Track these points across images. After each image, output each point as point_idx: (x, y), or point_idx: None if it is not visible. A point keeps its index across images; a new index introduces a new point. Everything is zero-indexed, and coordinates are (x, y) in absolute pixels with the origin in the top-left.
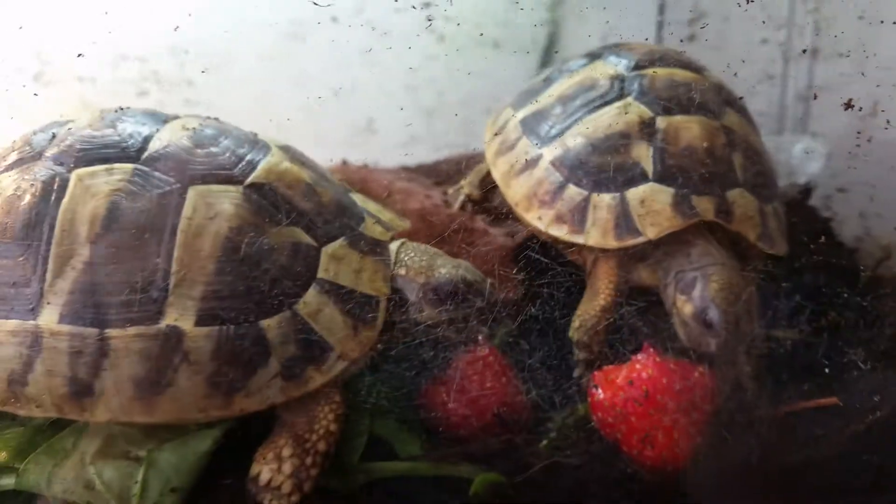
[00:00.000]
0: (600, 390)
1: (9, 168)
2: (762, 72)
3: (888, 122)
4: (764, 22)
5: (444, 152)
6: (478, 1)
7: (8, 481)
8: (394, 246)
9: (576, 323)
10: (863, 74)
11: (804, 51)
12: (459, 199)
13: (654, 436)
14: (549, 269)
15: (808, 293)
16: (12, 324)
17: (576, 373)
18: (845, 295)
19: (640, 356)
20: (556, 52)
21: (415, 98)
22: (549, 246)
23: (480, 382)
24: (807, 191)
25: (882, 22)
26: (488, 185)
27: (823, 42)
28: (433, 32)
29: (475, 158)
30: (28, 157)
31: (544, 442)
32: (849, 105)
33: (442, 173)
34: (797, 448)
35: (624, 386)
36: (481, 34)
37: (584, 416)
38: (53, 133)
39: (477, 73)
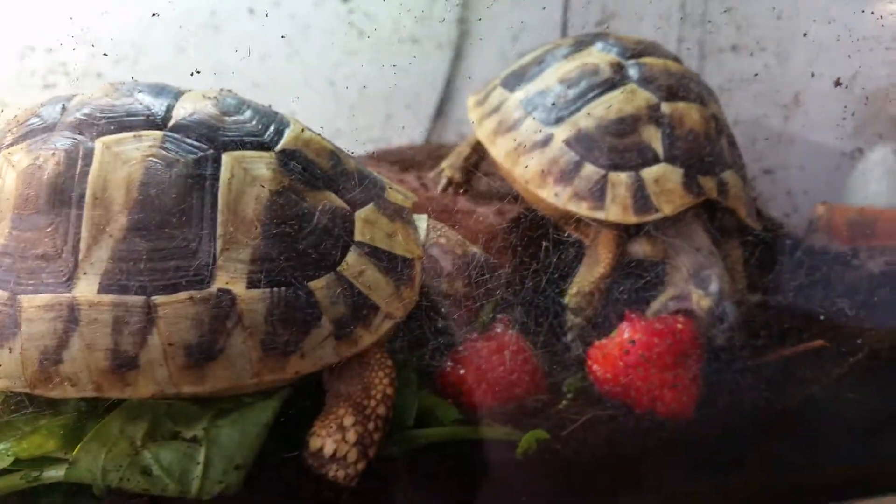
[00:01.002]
0: (597, 366)
1: (19, 140)
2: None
3: None
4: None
5: (367, 147)
6: None
7: (53, 473)
8: (422, 217)
9: (573, 289)
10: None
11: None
12: (442, 182)
13: (660, 393)
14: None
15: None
16: (44, 298)
17: (568, 336)
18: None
19: (624, 324)
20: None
21: (336, 93)
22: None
23: (504, 367)
24: None
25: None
26: (470, 167)
27: (743, 39)
28: (353, 27)
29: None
30: (39, 128)
31: (564, 402)
32: (837, 83)
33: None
34: (796, 391)
35: (620, 355)
36: (399, 29)
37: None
38: (63, 105)
39: (397, 69)
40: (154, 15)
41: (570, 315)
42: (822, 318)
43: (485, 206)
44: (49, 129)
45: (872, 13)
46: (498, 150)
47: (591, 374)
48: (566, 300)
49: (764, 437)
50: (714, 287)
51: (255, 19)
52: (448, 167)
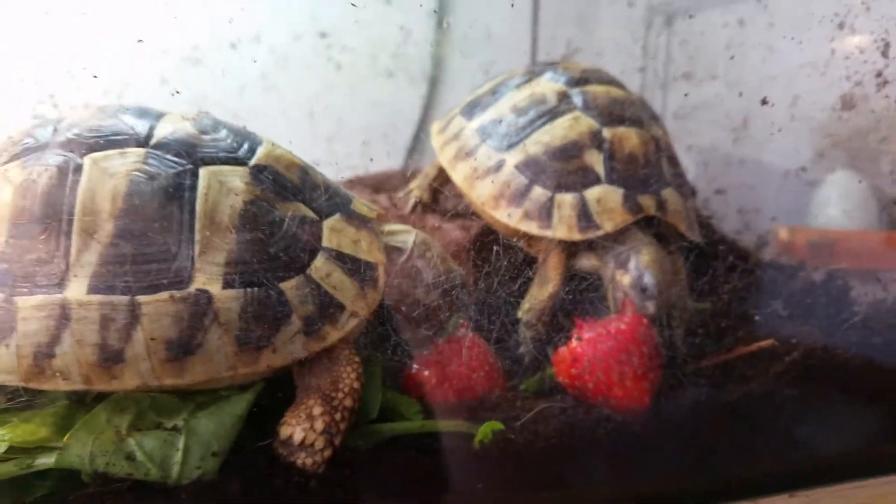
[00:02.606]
0: (558, 370)
1: (14, 158)
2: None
3: None
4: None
5: (346, 173)
6: (371, 33)
7: (45, 460)
8: (411, 232)
9: (525, 306)
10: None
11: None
12: (410, 202)
13: (609, 391)
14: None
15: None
16: (37, 299)
17: (522, 349)
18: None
19: (574, 333)
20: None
21: (315, 124)
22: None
23: (465, 367)
24: (692, 193)
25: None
26: (437, 188)
27: (695, 68)
28: (331, 61)
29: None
30: (33, 147)
31: (519, 402)
32: (764, 102)
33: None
34: (735, 388)
35: (570, 361)
36: (375, 64)
37: (549, 376)
38: (54, 126)
39: (373, 101)
40: (139, 42)
41: (523, 329)
42: (756, 318)
43: (450, 222)
44: (42, 147)
45: (800, 43)
46: (458, 175)
47: (558, 378)
48: (520, 315)
49: (705, 430)
50: (632, 263)
51: (235, 53)
52: (416, 188)
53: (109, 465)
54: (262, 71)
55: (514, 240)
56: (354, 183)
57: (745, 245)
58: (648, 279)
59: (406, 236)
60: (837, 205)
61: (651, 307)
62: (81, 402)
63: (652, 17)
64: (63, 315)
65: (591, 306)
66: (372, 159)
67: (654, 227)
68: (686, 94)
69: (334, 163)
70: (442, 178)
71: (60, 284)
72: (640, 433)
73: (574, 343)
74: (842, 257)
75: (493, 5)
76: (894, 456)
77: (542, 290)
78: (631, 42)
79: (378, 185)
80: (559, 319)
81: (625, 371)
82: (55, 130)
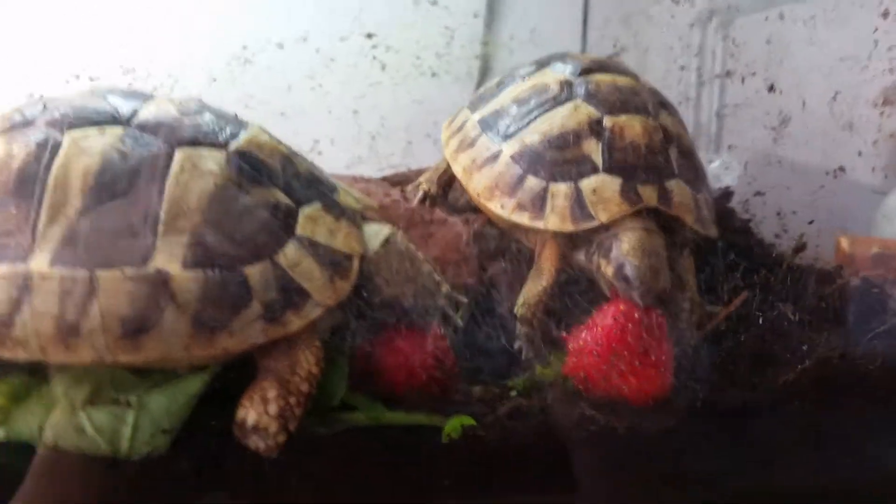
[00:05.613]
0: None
1: (1, 133)
2: (682, 94)
3: None
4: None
5: (387, 172)
6: (416, 33)
7: None
8: (385, 228)
9: (521, 300)
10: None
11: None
12: (419, 195)
13: (620, 387)
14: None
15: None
16: (2, 269)
17: (516, 344)
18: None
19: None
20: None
21: (359, 122)
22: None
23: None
24: (727, 194)
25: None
26: (445, 181)
27: (736, 65)
28: (376, 61)
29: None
30: (20, 124)
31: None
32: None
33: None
34: (737, 394)
35: (586, 384)
36: (420, 64)
37: (541, 375)
38: (44, 105)
39: (417, 101)
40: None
41: (519, 325)
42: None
43: (457, 216)
44: (28, 124)
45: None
46: (458, 167)
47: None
48: (515, 310)
49: (695, 439)
50: (613, 252)
51: (282, 53)
52: (425, 181)
53: (59, 439)
54: (309, 70)
55: (511, 232)
56: (392, 178)
57: (783, 250)
58: (629, 269)
59: (380, 231)
60: None
61: (636, 297)
62: (40, 375)
63: (700, 15)
64: (25, 286)
65: (594, 295)
66: (385, 161)
67: (663, 221)
68: (743, 81)
69: (383, 159)
70: (451, 172)
71: (26, 256)
72: (623, 436)
73: (573, 359)
74: None
75: (542, 5)
76: None
77: (536, 284)
78: (677, 41)
79: (407, 180)
80: (561, 311)
81: (620, 368)
82: (44, 108)
